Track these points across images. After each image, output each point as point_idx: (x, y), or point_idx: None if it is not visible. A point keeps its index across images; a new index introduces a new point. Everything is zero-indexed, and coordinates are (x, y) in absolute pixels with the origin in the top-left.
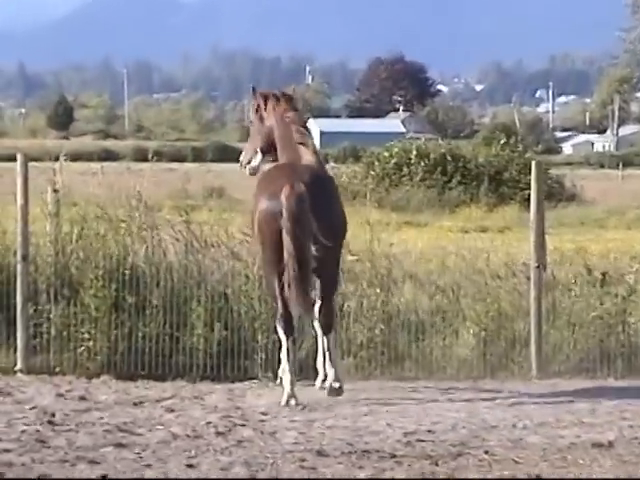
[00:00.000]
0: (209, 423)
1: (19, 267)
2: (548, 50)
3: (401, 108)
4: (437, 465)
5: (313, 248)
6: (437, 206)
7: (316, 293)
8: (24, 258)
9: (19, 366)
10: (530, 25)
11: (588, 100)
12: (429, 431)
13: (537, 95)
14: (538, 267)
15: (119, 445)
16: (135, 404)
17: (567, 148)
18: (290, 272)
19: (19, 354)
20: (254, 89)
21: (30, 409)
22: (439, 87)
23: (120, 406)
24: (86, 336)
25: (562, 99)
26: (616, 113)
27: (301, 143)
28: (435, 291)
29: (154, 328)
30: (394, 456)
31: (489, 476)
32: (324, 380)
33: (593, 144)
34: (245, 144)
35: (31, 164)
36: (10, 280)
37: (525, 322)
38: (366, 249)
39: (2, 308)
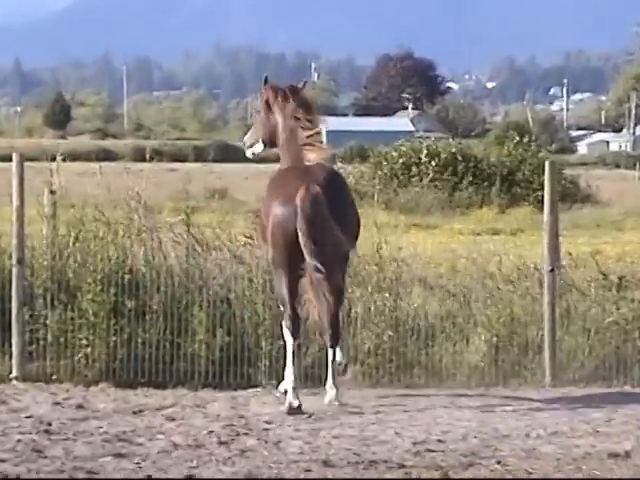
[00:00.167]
0: (211, 432)
1: (14, 271)
2: (562, 46)
3: (410, 106)
4: (447, 476)
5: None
6: (447, 208)
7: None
8: (20, 261)
9: (14, 373)
10: (544, 20)
11: (604, 98)
12: (439, 441)
13: (551, 92)
14: (552, 271)
15: (118, 455)
16: (135, 413)
17: (582, 147)
18: (315, 276)
19: (14, 361)
20: (267, 79)
21: (26, 418)
22: (449, 84)
23: (119, 415)
24: (84, 342)
25: (577, 97)
26: (633, 111)
27: (307, 144)
28: (445, 296)
29: (154, 334)
30: (403, 467)
31: None
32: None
33: (609, 143)
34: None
35: (27, 164)
36: (5, 284)
37: (538, 328)
38: (373, 252)
39: None
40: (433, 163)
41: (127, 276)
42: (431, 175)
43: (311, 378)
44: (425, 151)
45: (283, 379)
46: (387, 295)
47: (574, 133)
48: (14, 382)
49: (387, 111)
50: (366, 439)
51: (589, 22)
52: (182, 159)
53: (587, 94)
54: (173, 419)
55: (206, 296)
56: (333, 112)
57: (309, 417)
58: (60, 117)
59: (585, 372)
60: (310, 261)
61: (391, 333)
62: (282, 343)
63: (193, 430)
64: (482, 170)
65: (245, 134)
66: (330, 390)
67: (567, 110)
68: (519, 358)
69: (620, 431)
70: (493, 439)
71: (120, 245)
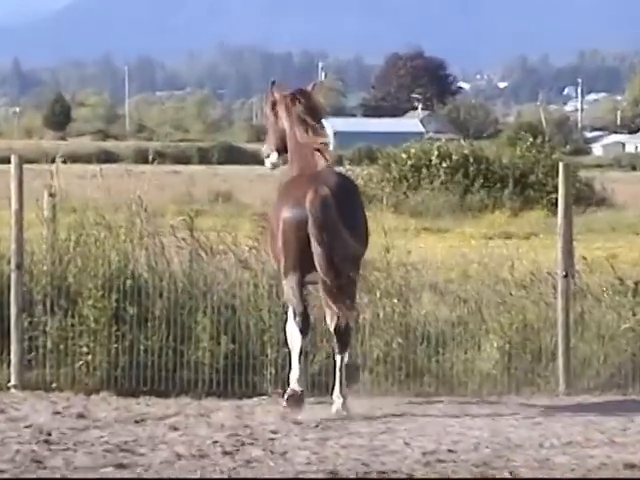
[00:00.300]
0: (215, 442)
1: (13, 276)
2: (576, 45)
3: (420, 106)
4: None
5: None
6: (458, 211)
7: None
8: (18, 266)
9: (13, 382)
10: (557, 18)
11: (619, 98)
12: (450, 451)
13: (565, 93)
14: (566, 276)
15: (120, 466)
16: (137, 422)
17: (597, 149)
18: (327, 282)
19: (13, 369)
20: (273, 83)
21: (25, 427)
22: (460, 84)
23: (121, 424)
24: (84, 350)
25: (591, 97)
26: None
27: (317, 149)
28: (456, 302)
29: (157, 341)
30: (412, 477)
31: None
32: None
33: (624, 145)
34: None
35: (26, 166)
36: (3, 290)
37: (552, 334)
38: (382, 257)
39: None
40: (444, 165)
41: (129, 281)
42: (442, 177)
43: (318, 386)
44: (436, 152)
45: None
46: (396, 301)
47: (589, 134)
48: (13, 390)
49: (396, 112)
50: (375, 449)
51: (604, 20)
52: (185, 161)
53: (602, 94)
54: (176, 429)
55: (210, 302)
56: (341, 113)
57: (316, 426)
58: (60, 118)
59: (600, 380)
60: (320, 265)
61: (400, 340)
62: (288, 350)
63: (197, 440)
64: (494, 172)
65: (250, 134)
66: (337, 399)
67: (581, 110)
68: (532, 365)
69: (636, 441)
70: (505, 449)
71: (122, 250)
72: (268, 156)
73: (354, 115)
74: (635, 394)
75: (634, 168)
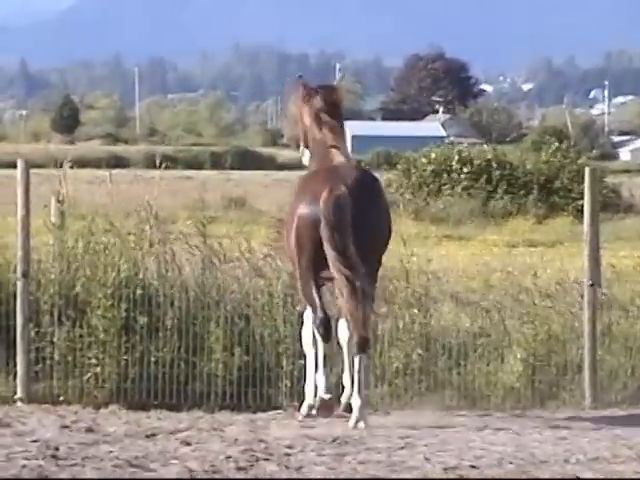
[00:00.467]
0: (229, 457)
1: (19, 285)
2: (603, 46)
3: (441, 110)
4: None
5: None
6: (481, 218)
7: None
8: (25, 275)
9: (19, 394)
10: (583, 19)
11: None
12: (472, 467)
13: (591, 95)
14: (592, 285)
15: None
16: (147, 436)
17: (624, 154)
18: (342, 286)
19: (19, 381)
20: (300, 77)
21: (31, 442)
22: (483, 87)
23: (131, 439)
24: (93, 361)
25: (619, 100)
26: None
27: (333, 146)
28: (478, 312)
29: (168, 352)
30: None
31: None
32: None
33: None
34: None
35: (33, 171)
36: (9, 299)
37: (578, 346)
38: (402, 265)
39: (0, 330)
40: (465, 170)
41: (139, 290)
42: (463, 183)
43: (335, 399)
44: (456, 157)
45: (305, 400)
46: (416, 311)
47: (616, 138)
48: (19, 404)
49: (416, 115)
50: (394, 465)
51: (631, 20)
52: (198, 166)
53: (630, 97)
54: (188, 443)
55: (223, 312)
56: (359, 116)
57: (333, 441)
58: (68, 121)
59: (628, 393)
60: (334, 266)
61: (420, 352)
62: (304, 362)
63: (210, 455)
64: (518, 178)
65: (264, 137)
66: (356, 400)
67: (608, 114)
68: (557, 378)
69: None
70: (530, 465)
71: (132, 257)
72: (303, 153)
73: (372, 118)
74: None
75: None
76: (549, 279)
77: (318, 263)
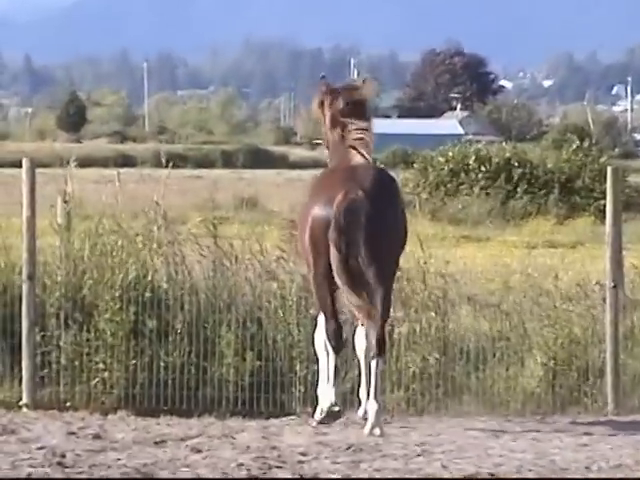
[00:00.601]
0: (241, 465)
1: (25, 287)
2: (625, 41)
3: (459, 107)
4: None
5: (367, 264)
6: (500, 218)
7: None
8: (30, 277)
9: (25, 400)
10: (605, 12)
11: None
12: (491, 474)
13: (613, 92)
14: (615, 287)
15: None
16: (156, 443)
17: None
18: (342, 288)
19: (25, 386)
20: (323, 77)
21: (37, 449)
22: (502, 83)
23: (139, 446)
24: (101, 366)
25: None
26: None
27: (351, 146)
28: (497, 315)
29: (178, 357)
30: None
31: None
32: (365, 413)
33: None
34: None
35: (38, 170)
36: (15, 302)
37: (600, 350)
38: (418, 267)
39: (6, 334)
40: (484, 169)
41: (148, 293)
42: (482, 182)
43: (350, 404)
44: (474, 156)
45: (318, 405)
46: (433, 314)
47: (639, 136)
48: (24, 410)
49: (433, 112)
50: (411, 472)
51: None
52: (209, 165)
53: None
54: (199, 450)
55: (235, 315)
56: (374, 113)
57: (348, 448)
58: (74, 119)
59: None
60: (335, 270)
61: (438, 356)
62: (317, 367)
63: (221, 463)
64: (538, 177)
65: (277, 135)
66: (372, 406)
67: (631, 111)
68: (578, 383)
69: None
70: (550, 472)
71: (140, 259)
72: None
73: (388, 116)
74: None
75: None
76: (570, 281)
77: (331, 268)
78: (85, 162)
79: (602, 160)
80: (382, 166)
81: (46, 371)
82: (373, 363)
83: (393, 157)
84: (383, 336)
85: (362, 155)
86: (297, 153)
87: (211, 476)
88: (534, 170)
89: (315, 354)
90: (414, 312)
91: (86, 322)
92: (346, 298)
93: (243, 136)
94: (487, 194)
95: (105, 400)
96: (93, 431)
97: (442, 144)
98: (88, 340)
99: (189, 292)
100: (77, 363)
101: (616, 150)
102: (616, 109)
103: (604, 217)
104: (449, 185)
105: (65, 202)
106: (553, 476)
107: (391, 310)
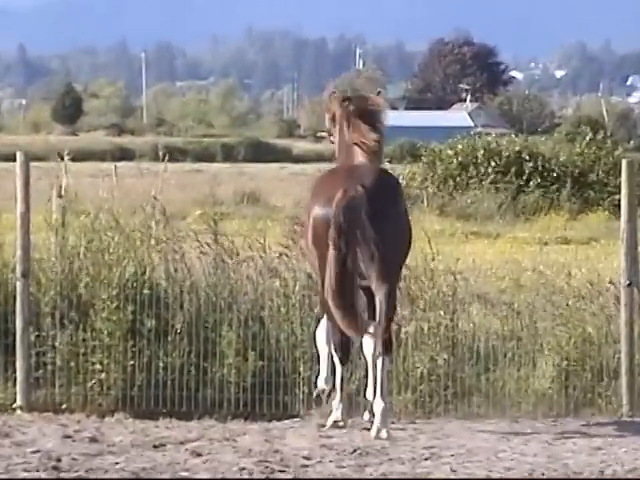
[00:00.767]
0: (242, 469)
1: (19, 286)
2: None
3: (468, 98)
4: None
5: (368, 262)
6: (510, 213)
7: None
8: (24, 275)
9: (19, 402)
10: (620, 1)
11: None
12: (502, 479)
13: (628, 82)
14: (630, 285)
15: None
16: (155, 447)
17: None
18: (331, 288)
19: (19, 388)
20: (333, 93)
21: (32, 453)
22: (513, 73)
23: (137, 449)
24: (98, 367)
25: None
26: None
27: (355, 143)
28: (508, 314)
29: (177, 357)
30: None
31: None
32: (372, 415)
33: None
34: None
35: (33, 164)
36: (8, 301)
37: (614, 350)
38: (426, 265)
39: None
40: (494, 163)
41: (146, 291)
42: (491, 176)
43: (356, 407)
44: (482, 151)
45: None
46: (442, 313)
47: None
48: (18, 412)
49: (442, 104)
50: (418, 476)
51: None
52: (209, 159)
53: None
54: (199, 454)
55: (236, 314)
56: None
57: (354, 452)
58: (70, 111)
59: None
60: (330, 272)
61: (447, 356)
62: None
63: (222, 467)
64: (550, 171)
65: (280, 128)
66: (378, 405)
67: None
68: (592, 384)
69: None
70: (563, 477)
71: (138, 256)
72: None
73: (395, 108)
74: None
75: None
76: (583, 279)
77: None
78: (81, 155)
79: (617, 153)
80: (388, 163)
81: (41, 372)
82: (379, 362)
83: (400, 150)
84: (389, 335)
85: (367, 155)
86: (301, 146)
87: None
88: (546, 163)
89: (316, 348)
90: (422, 311)
91: (82, 321)
92: (331, 304)
93: (244, 129)
94: (497, 188)
95: (102, 402)
96: (90, 434)
97: (451, 136)
98: (84, 340)
99: (189, 290)
100: (73, 364)
101: (631, 143)
102: (631, 100)
103: (619, 212)
104: (458, 179)
105: (60, 197)
106: None
107: (397, 309)
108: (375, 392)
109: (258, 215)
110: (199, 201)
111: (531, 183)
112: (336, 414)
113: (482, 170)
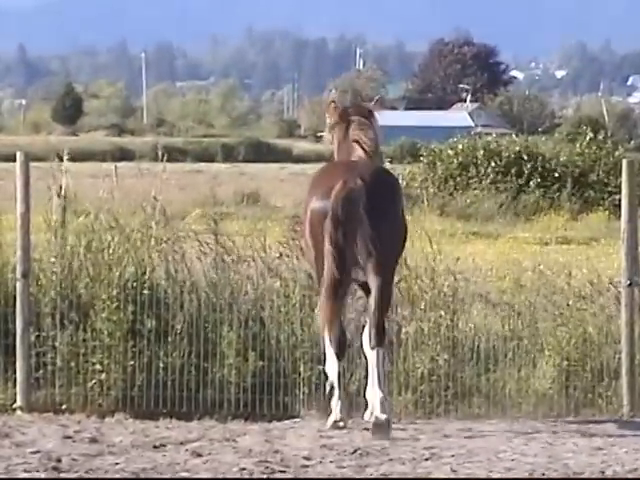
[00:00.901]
0: (242, 469)
1: (19, 286)
2: None
3: (468, 98)
4: None
5: (364, 256)
6: (511, 214)
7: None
8: (25, 275)
9: (19, 403)
10: (620, 1)
11: None
12: (502, 479)
13: (629, 82)
14: (630, 285)
15: None
16: (155, 447)
17: None
18: (325, 280)
19: (19, 389)
20: (331, 91)
21: (32, 453)
22: (513, 73)
23: (138, 450)
24: (98, 367)
25: None
26: None
27: (355, 141)
28: (508, 314)
29: (177, 358)
30: None
31: None
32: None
33: None
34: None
35: (33, 164)
36: (8, 301)
37: (615, 350)
38: (427, 265)
39: None
40: (494, 163)
41: (146, 292)
42: (492, 176)
43: (356, 407)
44: (481, 151)
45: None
46: (442, 313)
47: None
48: (18, 412)
49: (442, 104)
50: (419, 477)
51: None
52: (209, 159)
53: None
54: (199, 454)
55: (236, 314)
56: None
57: (354, 452)
58: (70, 111)
59: None
60: (327, 266)
61: (447, 356)
62: (322, 367)
63: (222, 467)
64: (551, 171)
65: (280, 128)
66: (375, 394)
67: None
68: (593, 385)
69: None
70: (564, 477)
71: (138, 257)
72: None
73: (395, 108)
74: None
75: None
76: (584, 279)
77: None
78: (82, 156)
79: (617, 153)
80: (388, 162)
81: (41, 372)
82: (373, 353)
83: (401, 150)
84: (381, 327)
85: (364, 150)
86: (301, 146)
87: None
88: (546, 164)
89: (320, 355)
90: (422, 311)
91: (82, 322)
92: (323, 295)
93: (245, 129)
94: (497, 189)
95: (102, 402)
96: (90, 434)
97: (451, 137)
98: (84, 340)
99: (189, 290)
100: (73, 364)
101: (632, 143)
102: (631, 100)
103: (619, 212)
104: (458, 179)
105: (60, 197)
106: None
107: (392, 302)
108: (372, 383)
109: (258, 215)
110: (199, 201)
111: (531, 183)
112: (336, 413)
113: (482, 170)
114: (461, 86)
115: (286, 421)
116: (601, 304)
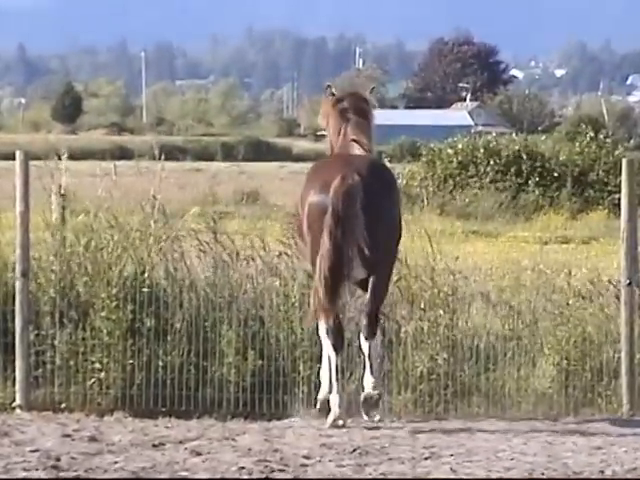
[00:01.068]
0: (242, 468)
1: (18, 285)
2: None
3: (468, 97)
4: None
5: (361, 252)
6: (510, 213)
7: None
8: (24, 274)
9: (18, 401)
10: (620, 0)
11: None
12: (501, 479)
13: (629, 82)
14: (630, 284)
15: None
16: (155, 446)
17: None
18: (321, 275)
19: (18, 387)
20: (329, 87)
21: (31, 452)
22: (513, 72)
23: (137, 448)
24: (97, 366)
25: None
26: None
27: (354, 140)
28: (508, 313)
29: (177, 357)
30: None
31: None
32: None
33: None
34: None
35: (32, 163)
36: (7, 300)
37: (614, 349)
38: (426, 264)
39: None
40: (493, 162)
41: (145, 290)
42: (491, 176)
43: (356, 407)
44: (482, 149)
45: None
46: (442, 312)
47: None
48: (18, 411)
49: (442, 103)
50: (418, 476)
51: None
52: (209, 158)
53: None
54: (198, 453)
55: (236, 313)
56: (381, 104)
57: (353, 451)
58: (70, 110)
59: None
60: (325, 260)
61: (446, 355)
62: (320, 365)
63: (221, 466)
64: (550, 170)
65: (279, 127)
66: (367, 378)
67: None
68: (592, 384)
69: None
70: (563, 476)
71: (137, 255)
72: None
73: (395, 107)
74: None
75: None
76: (584, 278)
77: None
78: (81, 154)
79: (617, 152)
80: (388, 162)
81: (40, 371)
82: (366, 345)
83: (400, 149)
84: (374, 317)
85: (362, 146)
86: (301, 145)
87: None
88: (546, 163)
89: (320, 354)
90: (422, 310)
91: (81, 321)
92: (320, 290)
93: (244, 128)
94: (497, 188)
95: (101, 401)
96: (89, 433)
97: (451, 136)
98: (84, 339)
99: (188, 289)
100: (72, 363)
101: (631, 142)
102: (631, 99)
103: (619, 211)
104: (458, 178)
105: (59, 195)
106: None
107: (384, 297)
108: (366, 371)
109: (258, 214)
110: (199, 200)
111: (531, 182)
112: (335, 410)
113: (482, 169)
114: (461, 85)
115: (285, 420)
116: (601, 303)
